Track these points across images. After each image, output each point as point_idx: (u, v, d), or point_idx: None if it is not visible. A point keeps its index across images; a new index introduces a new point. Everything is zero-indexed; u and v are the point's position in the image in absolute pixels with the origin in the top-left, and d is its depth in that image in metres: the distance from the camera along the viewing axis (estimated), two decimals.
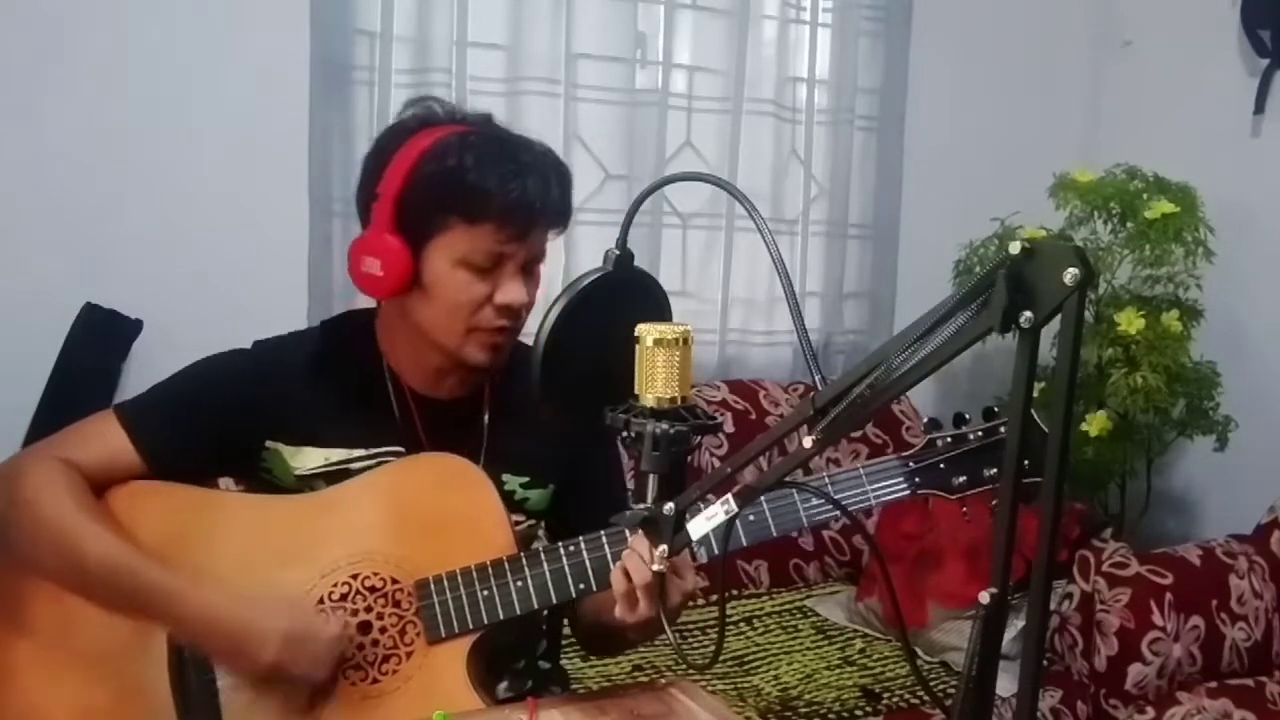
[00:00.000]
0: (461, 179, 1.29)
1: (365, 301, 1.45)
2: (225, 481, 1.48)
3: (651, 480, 1.02)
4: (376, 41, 2.49)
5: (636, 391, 1.02)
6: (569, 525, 1.37)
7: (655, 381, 1.01)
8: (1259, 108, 2.86)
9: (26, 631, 1.30)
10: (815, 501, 1.31)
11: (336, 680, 1.28)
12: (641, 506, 1.03)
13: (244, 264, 2.42)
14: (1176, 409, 2.67)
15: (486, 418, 1.43)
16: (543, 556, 1.31)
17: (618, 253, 1.18)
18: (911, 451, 1.35)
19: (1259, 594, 2.31)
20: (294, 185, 2.46)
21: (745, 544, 1.33)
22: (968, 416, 1.33)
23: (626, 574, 1.18)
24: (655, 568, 1.07)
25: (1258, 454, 2.69)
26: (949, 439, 1.34)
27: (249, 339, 1.45)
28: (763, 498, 1.31)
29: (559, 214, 1.34)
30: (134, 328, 2.34)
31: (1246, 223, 2.78)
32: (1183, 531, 2.98)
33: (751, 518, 1.31)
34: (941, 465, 1.33)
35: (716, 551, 1.29)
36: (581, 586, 1.31)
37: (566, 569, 1.31)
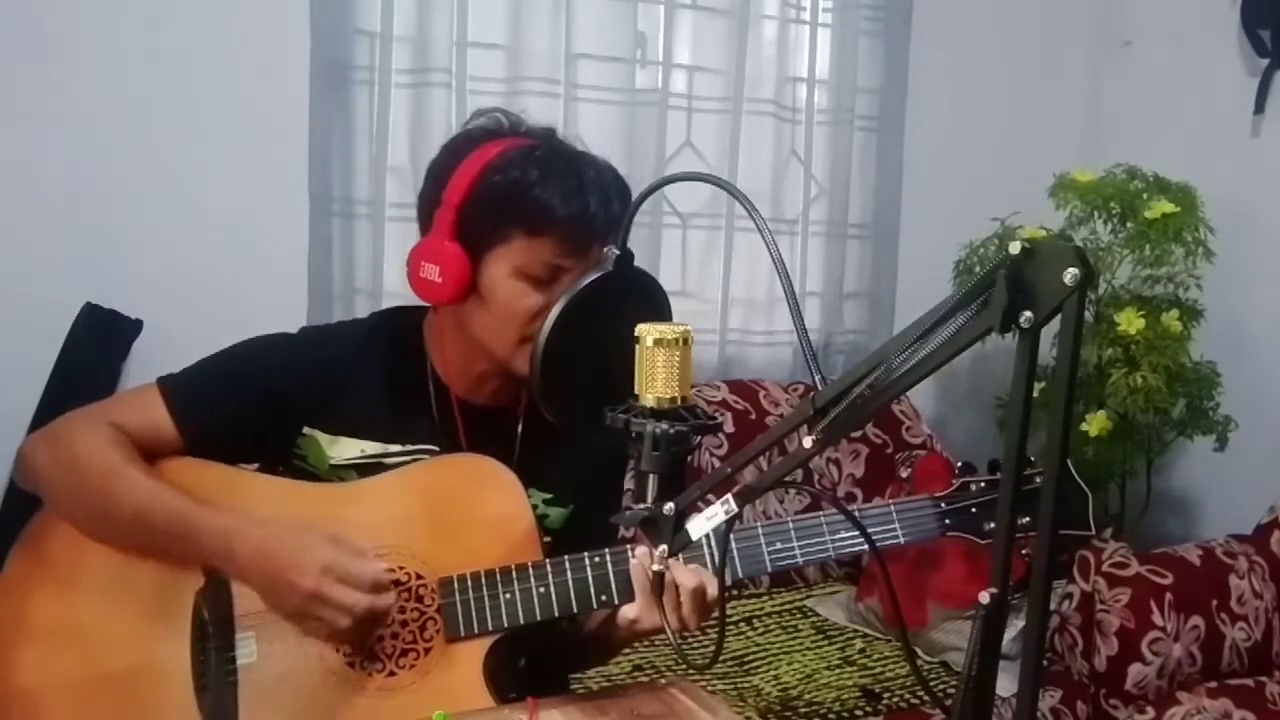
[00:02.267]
0: (526, 192, 1.30)
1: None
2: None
3: (651, 480, 1.02)
4: (376, 41, 2.50)
5: (636, 391, 1.02)
6: (571, 550, 1.36)
7: (655, 381, 1.01)
8: (1259, 108, 2.86)
9: (52, 598, 1.32)
10: (842, 534, 1.33)
11: (355, 665, 1.29)
12: (641, 506, 1.03)
13: (244, 264, 2.42)
14: (1176, 409, 2.67)
15: (520, 429, 1.44)
16: (567, 565, 1.32)
17: (618, 253, 1.18)
18: (944, 493, 1.36)
19: (1259, 594, 2.31)
20: (294, 185, 2.46)
21: (770, 571, 1.35)
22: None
23: (646, 571, 1.19)
24: (655, 568, 1.08)
25: (1258, 454, 2.69)
26: (983, 484, 1.36)
27: (248, 338, 1.44)
28: (792, 528, 1.33)
29: (618, 232, 1.35)
30: (134, 328, 2.34)
31: (1246, 223, 2.78)
32: (1183, 531, 2.98)
33: (779, 545, 1.33)
34: (973, 510, 1.34)
35: (737, 568, 1.31)
36: (603, 598, 1.31)
37: (590, 579, 1.31)
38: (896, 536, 1.34)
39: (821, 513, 1.35)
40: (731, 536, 1.31)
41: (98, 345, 2.29)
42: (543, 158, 1.33)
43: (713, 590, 1.24)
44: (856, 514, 1.35)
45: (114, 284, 2.31)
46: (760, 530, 1.33)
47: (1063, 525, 1.33)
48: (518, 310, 1.33)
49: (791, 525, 1.33)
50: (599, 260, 1.34)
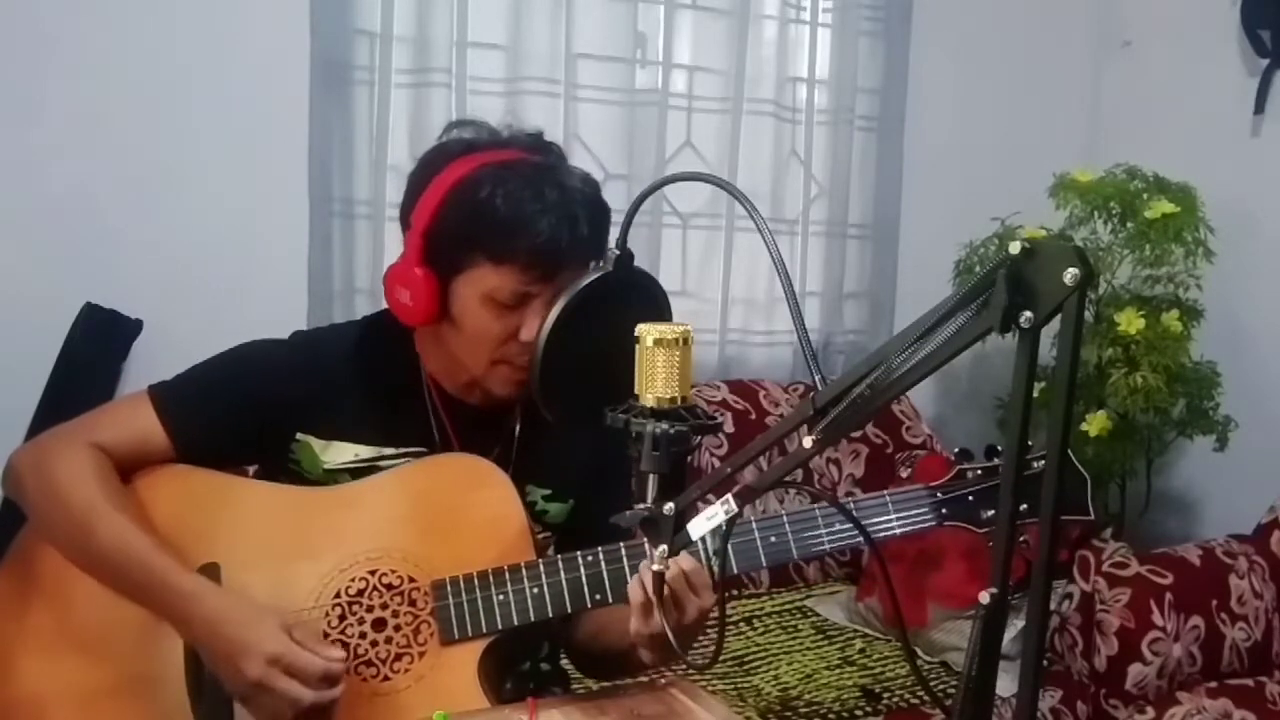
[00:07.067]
0: (490, 219, 1.28)
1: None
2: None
3: (651, 480, 1.02)
4: (376, 41, 2.49)
5: (636, 391, 1.02)
6: (578, 544, 1.37)
7: (655, 381, 1.01)
8: (1259, 108, 2.86)
9: (46, 607, 1.31)
10: (837, 527, 1.31)
11: (349, 671, 1.28)
12: (641, 506, 1.03)
13: (244, 264, 2.42)
14: (1176, 409, 2.67)
15: (518, 427, 1.44)
16: (560, 565, 1.31)
17: (618, 253, 1.18)
18: (940, 482, 1.34)
19: (1259, 594, 2.31)
20: (294, 185, 2.46)
21: (765, 565, 1.34)
22: (1000, 448, 1.30)
23: (643, 585, 1.18)
24: (655, 567, 1.07)
25: (1258, 454, 2.69)
26: (979, 471, 1.33)
27: (248, 339, 1.44)
28: (786, 521, 1.32)
29: (588, 252, 1.31)
30: (134, 328, 2.34)
31: (1246, 223, 2.78)
32: (1183, 531, 2.97)
33: (774, 539, 1.31)
34: (970, 498, 1.32)
35: (731, 563, 1.30)
36: (598, 597, 1.31)
37: (584, 579, 1.31)
38: (892, 528, 1.32)
39: (817, 506, 1.33)
40: None
41: (98, 345, 2.29)
42: (508, 179, 1.29)
43: (699, 575, 1.21)
44: (852, 507, 1.34)
45: (114, 284, 2.31)
46: (755, 525, 1.32)
47: (1062, 510, 1.33)
48: (488, 336, 1.33)
49: (786, 519, 1.32)
50: (571, 281, 1.32)
